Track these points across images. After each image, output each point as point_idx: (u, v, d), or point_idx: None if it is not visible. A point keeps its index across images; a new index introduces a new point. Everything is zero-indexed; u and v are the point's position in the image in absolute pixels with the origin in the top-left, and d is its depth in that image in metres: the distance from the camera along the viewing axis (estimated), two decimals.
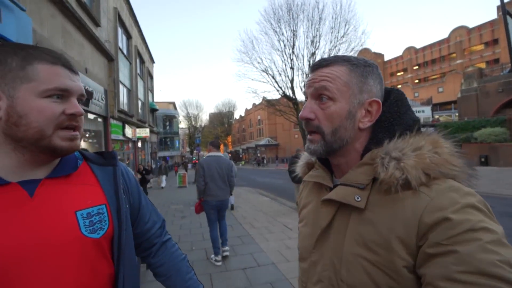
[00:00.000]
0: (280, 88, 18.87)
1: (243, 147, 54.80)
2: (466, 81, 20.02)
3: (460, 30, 32.18)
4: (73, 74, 0.61)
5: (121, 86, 11.35)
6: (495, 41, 28.92)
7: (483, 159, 14.67)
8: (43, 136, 0.55)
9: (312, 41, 17.90)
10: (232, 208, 7.24)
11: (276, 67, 18.92)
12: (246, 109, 56.06)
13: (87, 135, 8.22)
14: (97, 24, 8.26)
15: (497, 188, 8.36)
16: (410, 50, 37.61)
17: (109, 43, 9.61)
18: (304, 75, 17.99)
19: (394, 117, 0.60)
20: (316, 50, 18.01)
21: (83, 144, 7.51)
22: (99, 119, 9.06)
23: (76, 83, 0.60)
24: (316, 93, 0.62)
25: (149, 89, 19.61)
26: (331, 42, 17.85)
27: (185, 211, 7.22)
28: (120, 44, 11.52)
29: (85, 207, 0.61)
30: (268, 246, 4.25)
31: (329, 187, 0.66)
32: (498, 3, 6.08)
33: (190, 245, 4.38)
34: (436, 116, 25.82)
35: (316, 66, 0.64)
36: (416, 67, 37.27)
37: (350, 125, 0.60)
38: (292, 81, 18.43)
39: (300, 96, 18.58)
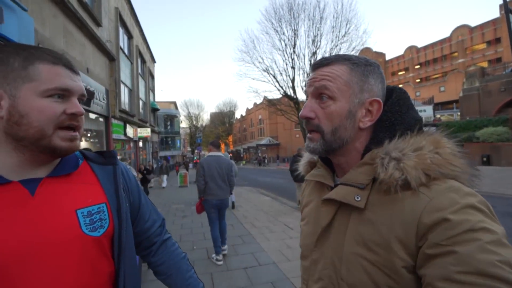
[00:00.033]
0: (281, 87, 18.90)
1: (244, 147, 54.84)
2: (468, 80, 19.93)
3: (462, 29, 32.00)
4: (74, 74, 0.61)
5: (122, 86, 11.38)
6: (498, 40, 28.75)
7: (485, 159, 14.60)
8: (43, 135, 0.56)
9: (313, 41, 17.91)
10: (233, 206, 7.24)
11: (277, 66, 19.04)
12: (247, 109, 56.05)
13: (89, 135, 8.25)
14: (98, 24, 8.28)
15: (499, 187, 8.30)
16: (411, 49, 37.43)
17: (110, 43, 9.63)
18: (305, 75, 18.00)
19: (395, 116, 0.59)
20: (317, 49, 18.03)
21: (84, 144, 7.54)
22: (101, 119, 9.10)
23: (77, 83, 0.61)
24: (316, 92, 0.61)
25: (150, 88, 19.65)
26: (332, 41, 17.87)
27: (186, 211, 7.23)
28: (121, 44, 11.55)
29: (86, 205, 0.61)
30: (269, 245, 4.25)
31: (330, 186, 0.66)
32: (501, 1, 6.03)
33: (191, 245, 4.39)
34: (438, 116, 25.70)
35: (316, 65, 0.63)
36: (418, 66, 37.06)
37: (350, 125, 0.60)
38: (293, 81, 18.45)
39: (301, 96, 18.64)
